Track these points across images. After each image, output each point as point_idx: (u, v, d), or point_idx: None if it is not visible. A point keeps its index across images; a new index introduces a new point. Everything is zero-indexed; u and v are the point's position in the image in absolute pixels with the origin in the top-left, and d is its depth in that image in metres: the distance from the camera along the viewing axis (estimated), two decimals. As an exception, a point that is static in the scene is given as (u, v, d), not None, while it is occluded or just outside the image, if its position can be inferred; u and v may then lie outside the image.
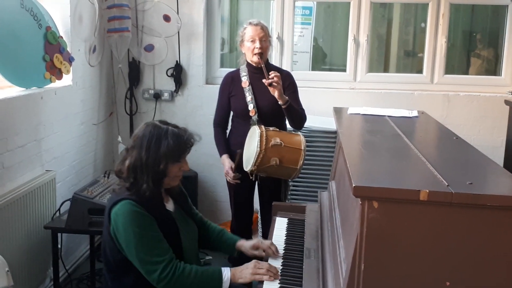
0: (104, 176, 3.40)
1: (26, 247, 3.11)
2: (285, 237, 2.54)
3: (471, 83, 4.39)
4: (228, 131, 3.53)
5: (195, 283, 2.11)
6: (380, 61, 4.86)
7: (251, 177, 3.17)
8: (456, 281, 1.51)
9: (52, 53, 3.34)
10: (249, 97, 3.30)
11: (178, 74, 4.40)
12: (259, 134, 3.04)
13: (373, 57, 4.66)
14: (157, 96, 4.45)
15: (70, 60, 3.53)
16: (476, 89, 4.32)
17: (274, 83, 3.10)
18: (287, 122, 3.39)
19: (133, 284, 2.17)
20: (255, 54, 3.28)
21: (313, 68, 4.79)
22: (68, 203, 3.16)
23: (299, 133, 3.28)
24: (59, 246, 3.22)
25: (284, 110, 3.22)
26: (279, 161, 3.05)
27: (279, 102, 3.18)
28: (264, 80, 3.13)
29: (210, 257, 3.97)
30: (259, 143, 3.01)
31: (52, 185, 3.35)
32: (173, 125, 2.24)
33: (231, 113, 3.49)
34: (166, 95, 4.45)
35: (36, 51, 3.24)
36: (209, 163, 4.36)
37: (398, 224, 1.51)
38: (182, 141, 2.19)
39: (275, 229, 2.65)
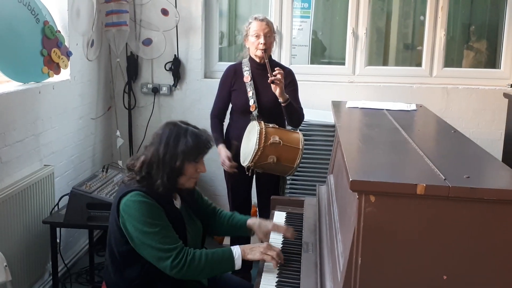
0: (103, 171, 3.40)
1: (25, 242, 3.12)
2: (284, 231, 2.54)
3: (470, 76, 4.38)
4: (226, 125, 3.53)
5: (208, 266, 2.11)
6: (379, 54, 4.83)
7: (247, 173, 3.18)
8: (453, 275, 1.51)
9: (50, 48, 3.33)
10: (250, 92, 3.30)
11: (176, 68, 4.39)
12: (259, 131, 3.04)
13: (372, 50, 4.65)
14: (155, 91, 4.45)
15: (68, 54, 3.52)
16: (475, 82, 4.31)
17: (277, 81, 3.10)
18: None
19: (137, 276, 2.18)
20: (259, 49, 3.27)
21: (312, 62, 4.77)
22: (66, 198, 3.17)
23: (298, 131, 3.28)
24: (58, 240, 3.23)
25: (283, 108, 3.22)
26: (276, 159, 3.06)
27: (280, 100, 3.18)
28: (268, 75, 3.12)
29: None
30: (258, 140, 3.01)
31: (50, 180, 3.35)
32: (193, 126, 2.25)
33: (230, 106, 3.49)
34: (164, 89, 4.45)
35: (33, 46, 3.23)
36: (207, 157, 4.32)
37: (395, 218, 1.51)
38: (201, 141, 2.20)
39: (273, 223, 2.65)
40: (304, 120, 3.48)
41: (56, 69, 3.41)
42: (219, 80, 3.52)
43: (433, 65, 4.39)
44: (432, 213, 1.50)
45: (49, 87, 3.40)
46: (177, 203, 2.31)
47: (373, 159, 1.87)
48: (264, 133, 3.05)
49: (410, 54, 4.87)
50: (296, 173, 3.39)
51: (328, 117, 3.78)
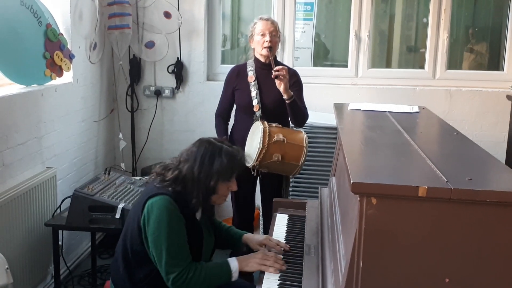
0: (105, 173, 3.40)
1: (27, 244, 3.12)
2: (286, 234, 2.53)
3: (473, 78, 4.37)
4: (231, 126, 3.53)
5: (206, 281, 2.15)
6: (382, 57, 4.83)
7: (252, 172, 3.17)
8: (455, 277, 1.50)
9: (53, 50, 3.34)
10: (254, 92, 3.30)
11: (179, 70, 4.39)
12: (262, 130, 3.05)
13: (375, 53, 4.65)
14: (158, 93, 4.45)
15: (71, 57, 3.53)
16: (478, 84, 4.30)
17: (281, 76, 3.09)
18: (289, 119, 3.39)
19: (143, 278, 2.20)
20: (264, 47, 3.27)
21: (315, 64, 4.78)
22: (68, 200, 3.16)
23: (301, 130, 3.27)
24: (60, 243, 3.22)
25: (288, 106, 3.22)
26: (281, 157, 3.06)
27: (284, 97, 3.18)
28: (273, 71, 3.11)
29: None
30: (262, 139, 3.02)
31: (52, 182, 3.35)
32: (228, 144, 2.26)
33: (234, 106, 3.49)
34: (167, 92, 4.45)
35: (36, 49, 3.24)
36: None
37: (397, 221, 1.50)
38: (236, 160, 2.21)
39: (275, 225, 2.65)
40: (307, 122, 3.48)
41: (59, 71, 3.42)
42: (223, 82, 3.53)
43: (436, 67, 4.38)
44: (434, 216, 1.49)
45: (51, 89, 3.41)
46: (198, 214, 2.31)
47: (375, 161, 1.86)
48: (268, 131, 3.05)
49: (413, 57, 4.87)
50: (298, 175, 3.39)
51: (330, 119, 3.78)
